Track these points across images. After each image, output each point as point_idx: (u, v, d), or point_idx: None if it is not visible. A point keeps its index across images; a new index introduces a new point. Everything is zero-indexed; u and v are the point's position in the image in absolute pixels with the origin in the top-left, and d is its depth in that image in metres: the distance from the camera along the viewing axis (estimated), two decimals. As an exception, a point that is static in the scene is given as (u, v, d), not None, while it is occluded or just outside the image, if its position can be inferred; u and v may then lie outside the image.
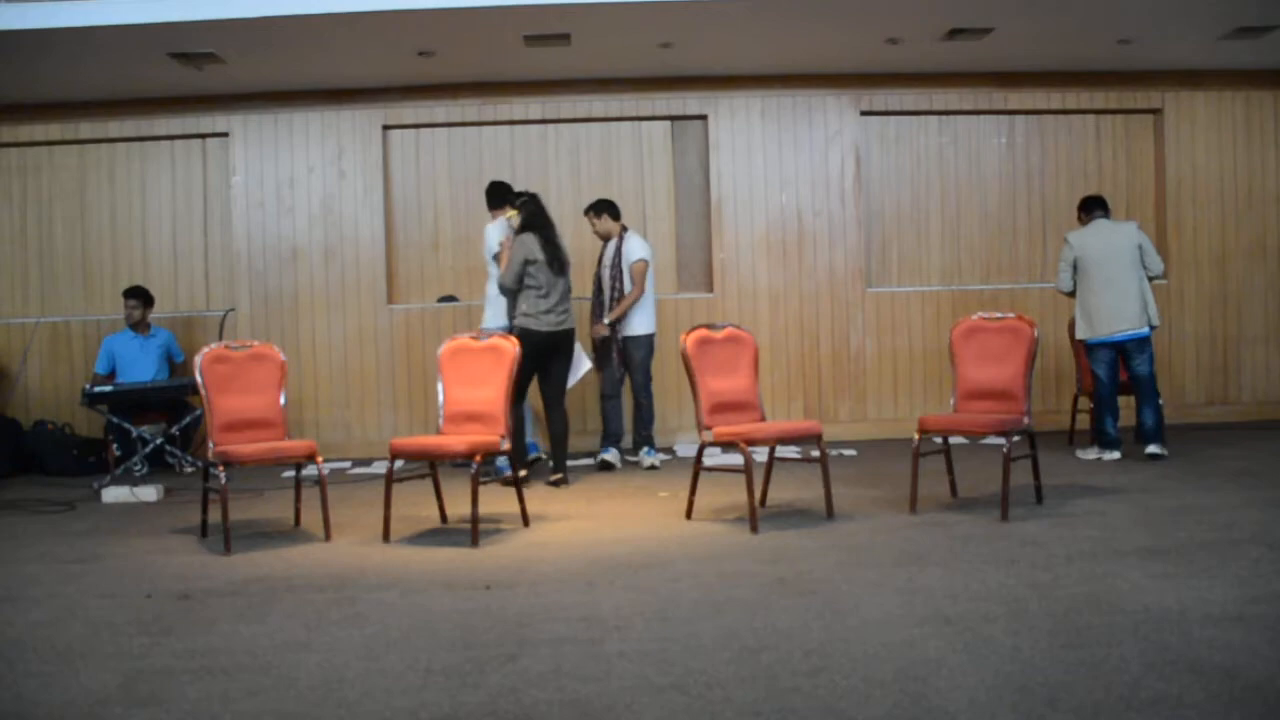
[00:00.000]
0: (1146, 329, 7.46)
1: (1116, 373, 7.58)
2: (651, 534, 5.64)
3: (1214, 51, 8.72)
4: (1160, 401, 7.61)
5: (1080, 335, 7.64)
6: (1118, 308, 7.41)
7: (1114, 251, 7.46)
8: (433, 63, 8.37)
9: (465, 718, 3.19)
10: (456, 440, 5.79)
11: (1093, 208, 7.72)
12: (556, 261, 7.19)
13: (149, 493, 7.06)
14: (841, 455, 8.15)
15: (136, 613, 4.39)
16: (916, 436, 6.04)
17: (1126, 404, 7.75)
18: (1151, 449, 7.43)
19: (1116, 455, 7.44)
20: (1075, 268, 7.56)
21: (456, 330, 8.26)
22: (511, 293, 7.21)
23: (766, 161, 9.23)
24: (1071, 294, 7.68)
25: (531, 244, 7.14)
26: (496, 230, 7.72)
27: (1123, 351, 7.52)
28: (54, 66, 8.01)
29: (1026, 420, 5.97)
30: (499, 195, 7.97)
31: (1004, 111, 9.50)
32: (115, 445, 7.91)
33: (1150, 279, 7.51)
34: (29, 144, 9.23)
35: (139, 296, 8.50)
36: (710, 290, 9.26)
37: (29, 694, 3.49)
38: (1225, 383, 9.53)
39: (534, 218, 7.25)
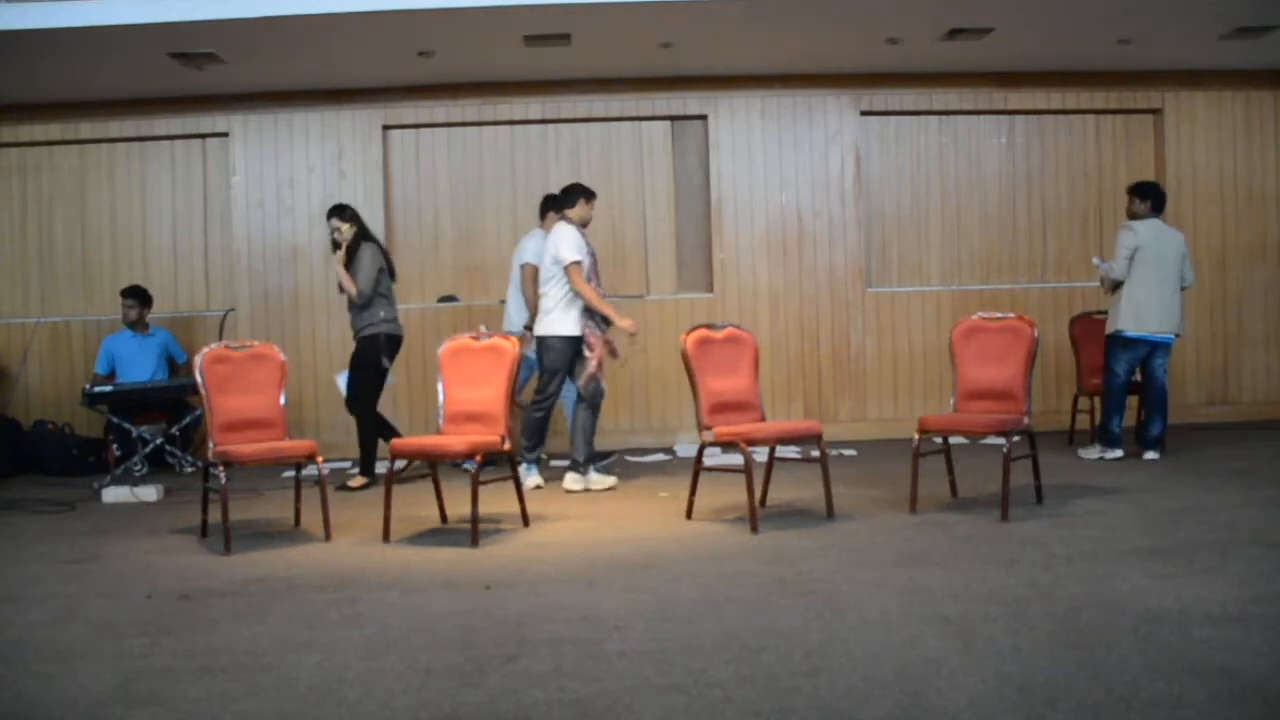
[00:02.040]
0: (1174, 335, 7.50)
1: (1132, 373, 7.56)
2: (651, 534, 5.64)
3: (1214, 51, 8.72)
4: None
5: (1123, 327, 7.39)
6: (1167, 309, 7.40)
7: (1169, 253, 7.45)
8: (433, 63, 8.38)
9: (465, 718, 3.19)
10: (456, 440, 5.79)
11: (1155, 203, 7.51)
12: (392, 269, 7.48)
13: (149, 493, 7.06)
14: (841, 455, 8.15)
15: (136, 613, 4.39)
16: (916, 436, 6.03)
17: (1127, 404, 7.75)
18: (1151, 455, 7.44)
19: (1119, 454, 7.44)
20: (1131, 258, 7.39)
21: (456, 330, 8.25)
22: (369, 300, 7.24)
23: (766, 161, 9.23)
24: (1119, 285, 7.42)
25: (379, 252, 7.37)
26: (540, 240, 7.50)
27: (1150, 353, 7.48)
28: (54, 66, 8.01)
29: (1026, 420, 5.97)
30: (558, 201, 7.44)
31: (1004, 111, 9.50)
32: (115, 445, 7.92)
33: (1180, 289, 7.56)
34: (29, 144, 9.23)
35: (135, 296, 8.51)
36: (710, 290, 9.26)
37: (29, 694, 3.49)
38: (1225, 383, 9.54)
39: (366, 228, 7.44)
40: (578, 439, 7.00)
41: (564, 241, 6.96)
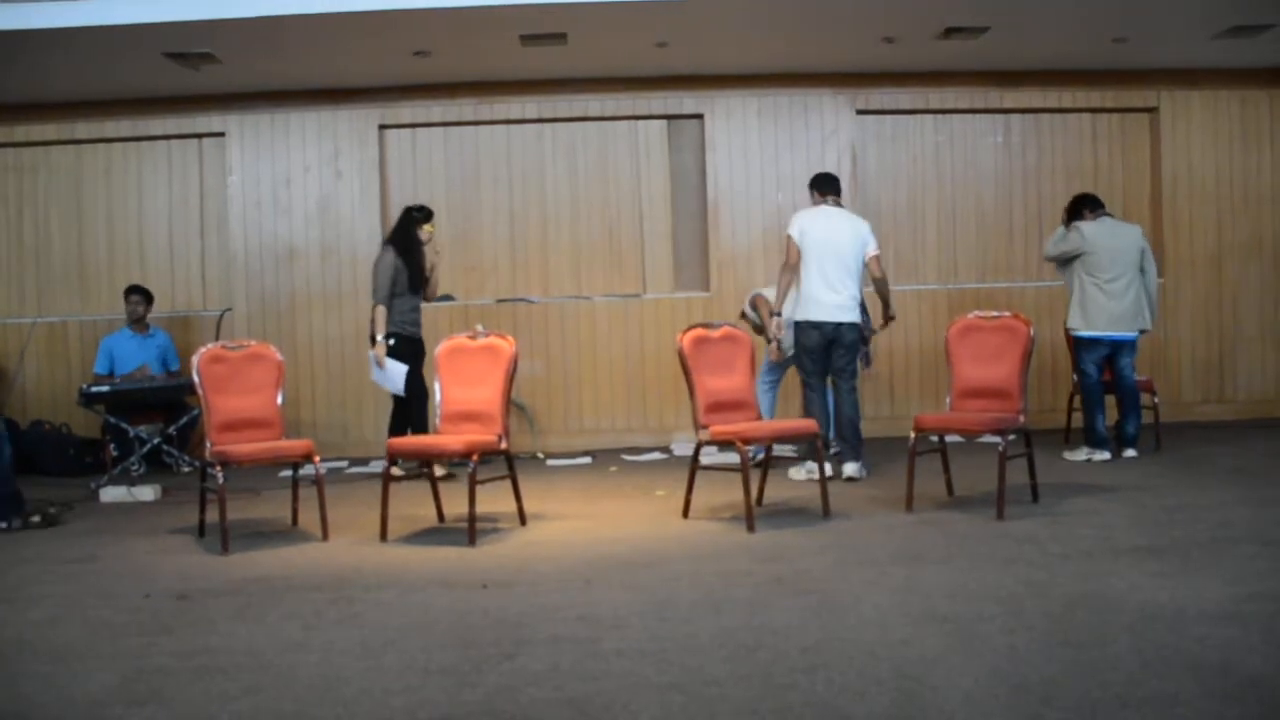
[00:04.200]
0: (1137, 333, 7.48)
1: (1103, 371, 7.57)
2: (648, 533, 5.64)
3: (1209, 50, 8.73)
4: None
5: (1072, 325, 7.49)
6: (1121, 308, 7.38)
7: (1123, 251, 7.42)
8: (429, 62, 8.38)
9: (463, 717, 3.20)
10: (453, 440, 5.79)
11: (1095, 206, 7.62)
12: None
13: (146, 493, 7.06)
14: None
15: (134, 613, 4.39)
16: (913, 435, 6.05)
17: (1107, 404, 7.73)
18: (1130, 453, 7.44)
19: (1107, 455, 7.38)
20: (1075, 259, 7.44)
21: (453, 330, 8.25)
22: None
23: (763, 160, 9.23)
24: (1051, 259, 7.74)
25: None
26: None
27: (1113, 352, 7.49)
28: (50, 66, 8.01)
29: (1022, 419, 5.98)
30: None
31: (1000, 110, 9.51)
32: (113, 445, 7.91)
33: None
34: (25, 144, 9.23)
35: (141, 293, 8.54)
36: (707, 289, 9.26)
37: (29, 694, 3.50)
38: (1220, 381, 9.55)
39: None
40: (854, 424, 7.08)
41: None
